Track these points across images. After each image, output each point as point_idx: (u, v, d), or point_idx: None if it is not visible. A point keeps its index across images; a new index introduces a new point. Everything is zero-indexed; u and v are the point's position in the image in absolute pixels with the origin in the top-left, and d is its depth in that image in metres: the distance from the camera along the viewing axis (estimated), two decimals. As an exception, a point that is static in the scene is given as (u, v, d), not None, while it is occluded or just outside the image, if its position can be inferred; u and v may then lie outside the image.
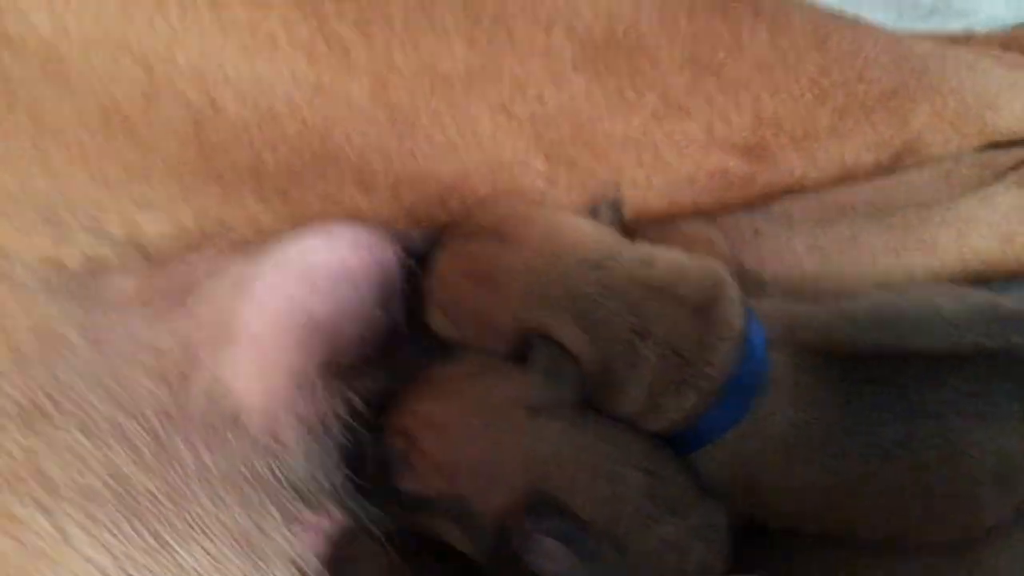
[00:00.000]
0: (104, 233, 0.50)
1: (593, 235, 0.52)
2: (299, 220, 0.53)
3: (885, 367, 0.53)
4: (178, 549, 0.43)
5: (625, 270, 0.51)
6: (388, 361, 0.54)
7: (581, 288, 0.50)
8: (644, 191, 0.57)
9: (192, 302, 0.50)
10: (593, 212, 0.57)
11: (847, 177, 0.62)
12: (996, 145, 0.74)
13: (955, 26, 0.90)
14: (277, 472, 0.46)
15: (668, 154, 0.57)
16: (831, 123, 0.59)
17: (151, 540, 0.42)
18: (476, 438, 0.47)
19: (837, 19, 0.64)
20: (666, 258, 0.52)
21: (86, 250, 0.49)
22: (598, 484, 0.47)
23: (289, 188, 0.52)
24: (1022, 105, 0.69)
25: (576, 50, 0.56)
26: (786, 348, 0.53)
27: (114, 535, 0.42)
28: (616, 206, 0.55)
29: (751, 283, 0.65)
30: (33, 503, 0.41)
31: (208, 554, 0.43)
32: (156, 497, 0.44)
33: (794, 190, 0.61)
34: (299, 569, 0.44)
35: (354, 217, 0.53)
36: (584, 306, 0.50)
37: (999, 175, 0.76)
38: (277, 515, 0.45)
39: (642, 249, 0.53)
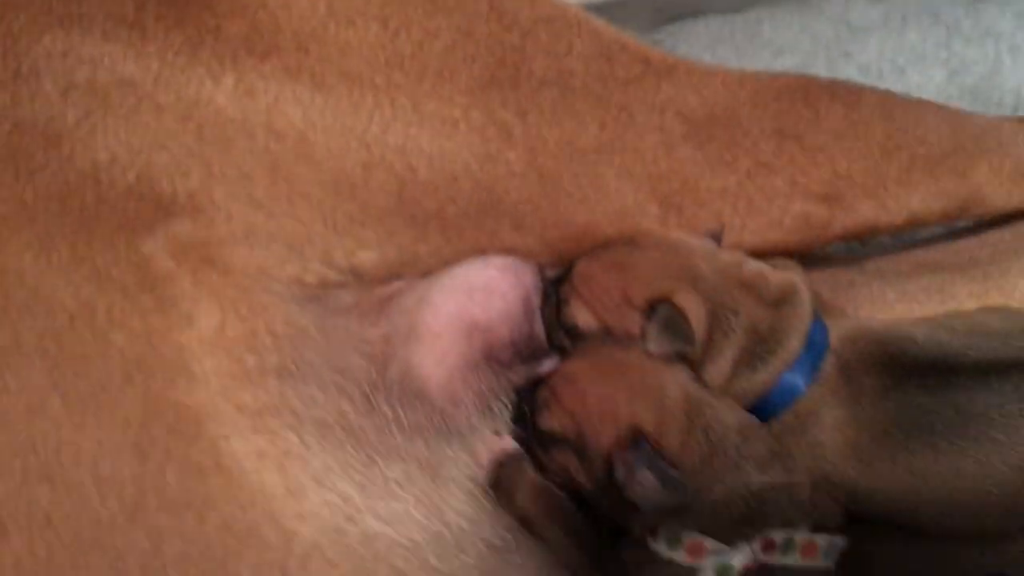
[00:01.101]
0: (333, 263, 0.65)
1: (702, 242, 0.65)
2: (470, 252, 0.67)
3: (936, 377, 0.60)
4: (383, 466, 0.56)
5: (724, 264, 0.63)
6: (533, 360, 0.67)
7: (698, 269, 0.62)
8: (739, 232, 0.68)
9: (391, 311, 0.65)
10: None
11: (919, 222, 0.71)
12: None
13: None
14: (451, 423, 0.59)
15: (759, 202, 0.68)
16: (897, 175, 0.69)
17: (364, 458, 0.56)
18: (595, 386, 0.58)
19: (903, 98, 0.75)
20: (753, 264, 0.64)
21: (320, 274, 0.64)
22: (694, 431, 0.56)
23: (464, 228, 0.66)
24: (1082, 170, 0.76)
25: (683, 126, 0.69)
26: (846, 352, 0.62)
27: (339, 451, 0.56)
28: (717, 236, 0.66)
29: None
30: (288, 427, 0.56)
31: (403, 471, 0.57)
32: (366, 432, 0.57)
33: (871, 232, 0.71)
34: (464, 488, 0.57)
35: (509, 250, 0.67)
36: (700, 282, 0.61)
37: (1076, 234, 0.82)
38: (451, 450, 0.59)
39: (737, 255, 0.65)
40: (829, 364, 0.61)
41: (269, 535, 0.52)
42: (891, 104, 0.72)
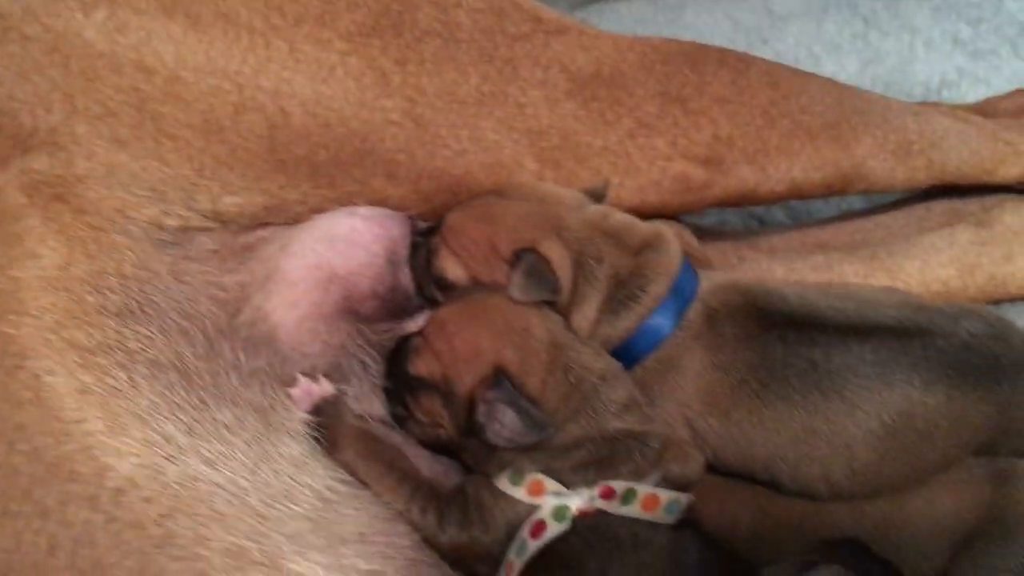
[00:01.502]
0: (196, 207, 0.62)
1: (570, 193, 0.63)
2: (340, 201, 0.64)
3: (799, 332, 0.59)
4: (214, 409, 0.53)
5: (590, 215, 0.61)
6: (401, 315, 0.64)
7: (564, 220, 0.60)
8: (618, 190, 0.66)
9: (251, 258, 0.63)
10: None
11: (801, 192, 0.70)
12: (954, 189, 0.80)
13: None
14: (293, 371, 0.57)
15: (639, 162, 0.66)
16: (779, 143, 0.67)
17: (195, 400, 0.53)
18: (463, 328, 0.56)
19: (794, 71, 0.73)
20: (619, 216, 0.62)
21: (182, 217, 0.61)
22: (555, 371, 0.55)
23: (334, 176, 0.63)
24: (969, 151, 0.75)
25: (568, 83, 0.67)
26: (714, 300, 0.61)
27: (169, 392, 0.53)
28: (599, 192, 0.65)
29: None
30: (118, 366, 0.53)
31: (234, 416, 0.54)
32: (202, 375, 0.55)
33: (751, 198, 0.69)
34: (297, 436, 0.55)
35: (382, 200, 0.64)
36: (565, 232, 0.60)
37: (964, 219, 0.81)
38: (287, 397, 0.57)
39: (604, 207, 0.63)
40: (695, 311, 0.60)
41: (82, 468, 0.50)
42: (778, 73, 0.70)
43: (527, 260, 0.58)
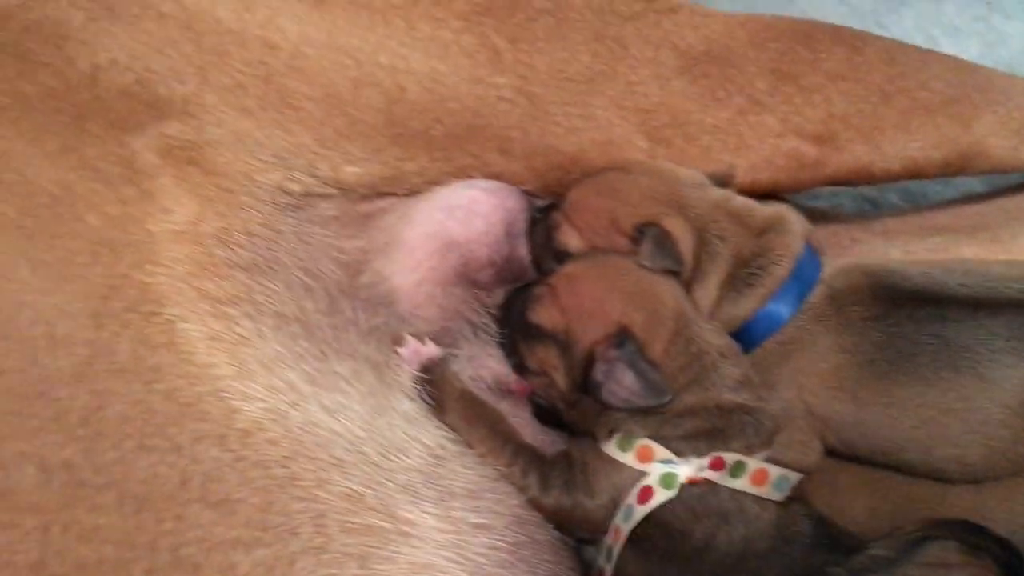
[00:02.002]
0: (318, 174, 0.66)
1: (689, 172, 0.64)
2: (456, 175, 0.67)
3: (927, 309, 0.59)
4: (334, 361, 0.57)
5: (712, 196, 0.63)
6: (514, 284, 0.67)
7: (687, 198, 0.62)
8: (729, 169, 0.68)
9: (372, 226, 0.66)
10: None
11: (918, 171, 0.69)
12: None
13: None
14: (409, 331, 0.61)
15: (750, 140, 0.67)
16: (895, 120, 0.67)
17: (316, 352, 0.57)
18: (593, 285, 0.58)
19: (912, 48, 0.73)
20: (742, 199, 0.64)
21: (304, 183, 0.65)
22: (678, 341, 0.56)
23: (450, 150, 0.66)
24: (1100, 131, 0.73)
25: (678, 61, 0.69)
26: (838, 282, 0.61)
27: (293, 343, 0.57)
28: (724, 178, 0.66)
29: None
30: (246, 316, 0.57)
31: (352, 369, 0.58)
32: (323, 329, 0.59)
33: (865, 177, 0.69)
34: (409, 393, 0.59)
35: (496, 175, 0.67)
36: (688, 210, 0.61)
37: (1094, 204, 0.79)
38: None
39: (725, 191, 0.64)
40: (818, 294, 0.60)
41: (212, 409, 0.54)
42: (896, 50, 0.70)
43: (652, 232, 0.59)
